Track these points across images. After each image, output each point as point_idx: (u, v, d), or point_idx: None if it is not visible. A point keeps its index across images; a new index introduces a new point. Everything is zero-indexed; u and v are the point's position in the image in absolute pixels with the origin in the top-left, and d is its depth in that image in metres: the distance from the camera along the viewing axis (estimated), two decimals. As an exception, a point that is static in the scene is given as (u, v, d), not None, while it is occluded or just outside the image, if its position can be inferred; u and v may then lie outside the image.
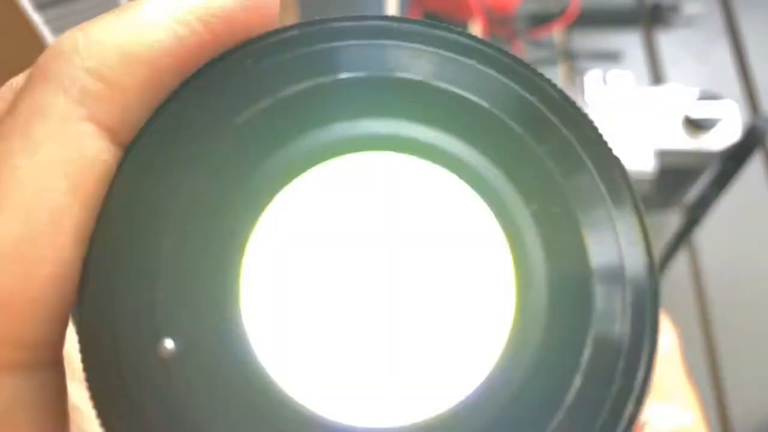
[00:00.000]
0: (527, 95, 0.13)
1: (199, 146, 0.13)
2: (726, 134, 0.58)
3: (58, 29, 0.47)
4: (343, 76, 0.13)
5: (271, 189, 0.12)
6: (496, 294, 0.13)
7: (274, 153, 0.12)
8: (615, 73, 0.62)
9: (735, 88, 0.70)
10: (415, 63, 0.13)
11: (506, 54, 0.14)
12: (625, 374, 0.12)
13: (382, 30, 0.13)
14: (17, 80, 0.14)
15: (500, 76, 0.13)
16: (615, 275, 0.13)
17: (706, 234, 0.63)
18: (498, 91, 0.13)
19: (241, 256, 0.12)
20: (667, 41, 0.74)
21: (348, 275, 0.13)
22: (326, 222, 0.13)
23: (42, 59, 0.13)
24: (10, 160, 0.12)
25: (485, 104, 0.13)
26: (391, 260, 0.13)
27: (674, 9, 0.74)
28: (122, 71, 0.13)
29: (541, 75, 0.14)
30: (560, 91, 0.14)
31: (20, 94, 0.13)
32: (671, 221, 0.63)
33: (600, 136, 0.14)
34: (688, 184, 0.63)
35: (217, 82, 0.13)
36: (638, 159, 0.58)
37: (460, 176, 0.13)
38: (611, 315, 0.13)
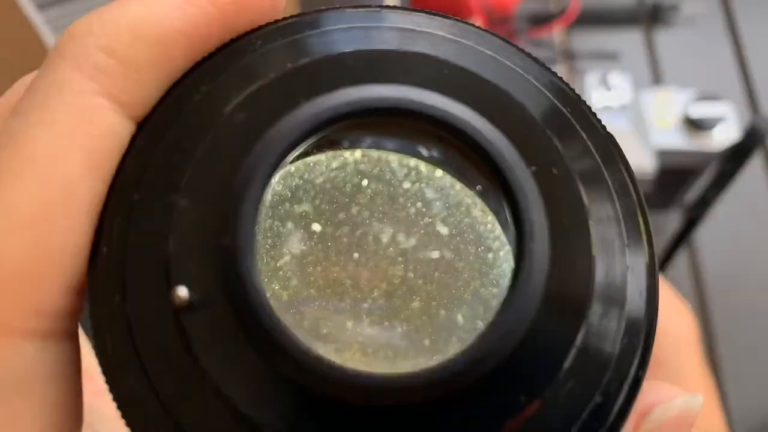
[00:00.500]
0: (530, 79, 0.14)
1: (210, 118, 0.13)
2: (726, 134, 0.58)
3: (58, 29, 0.47)
4: (346, 50, 0.13)
5: (283, 148, 0.13)
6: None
7: (285, 116, 0.13)
8: (615, 73, 0.62)
9: (735, 88, 0.70)
10: (417, 41, 0.14)
11: (515, 45, 0.14)
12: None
13: (384, 15, 0.14)
14: (30, 77, 0.14)
15: (509, 63, 0.14)
16: (613, 296, 0.13)
17: (706, 234, 0.63)
18: (507, 74, 0.14)
19: (256, 211, 0.12)
20: (667, 41, 0.74)
21: (351, 240, 0.14)
22: (332, 198, 0.14)
23: (58, 42, 0.13)
24: (27, 132, 0.13)
25: (492, 79, 0.13)
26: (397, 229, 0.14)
27: (674, 9, 0.75)
28: (134, 49, 0.13)
29: (539, 60, 0.14)
30: (574, 91, 0.14)
31: (37, 75, 0.13)
32: (671, 221, 0.63)
33: (623, 154, 0.14)
34: (688, 184, 0.63)
35: (228, 62, 0.14)
36: (638, 159, 0.58)
37: (469, 143, 0.13)
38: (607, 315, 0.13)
